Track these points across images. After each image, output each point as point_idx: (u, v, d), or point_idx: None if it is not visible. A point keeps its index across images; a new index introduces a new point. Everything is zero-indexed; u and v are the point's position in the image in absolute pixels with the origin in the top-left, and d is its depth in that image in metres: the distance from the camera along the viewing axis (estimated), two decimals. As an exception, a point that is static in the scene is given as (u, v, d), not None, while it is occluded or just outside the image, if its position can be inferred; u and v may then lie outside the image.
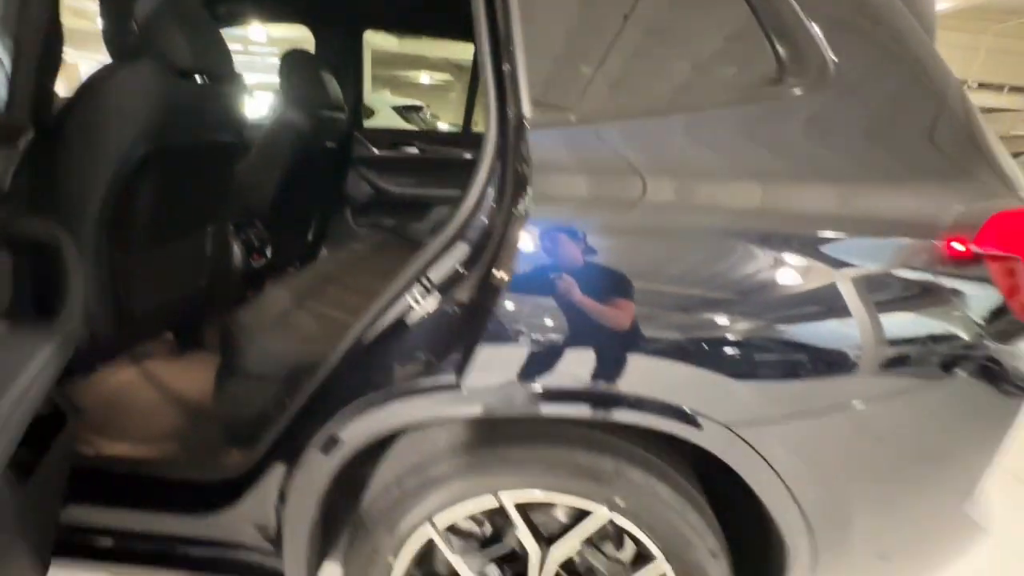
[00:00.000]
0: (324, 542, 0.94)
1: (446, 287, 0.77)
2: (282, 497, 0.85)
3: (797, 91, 0.73)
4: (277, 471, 0.86)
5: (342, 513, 0.94)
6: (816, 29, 0.72)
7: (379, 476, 0.90)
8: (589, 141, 0.76)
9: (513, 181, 0.74)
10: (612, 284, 0.73)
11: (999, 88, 9.66)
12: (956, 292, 0.74)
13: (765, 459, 0.74)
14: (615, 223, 0.75)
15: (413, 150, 2.42)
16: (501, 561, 0.91)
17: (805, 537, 0.80)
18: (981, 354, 0.75)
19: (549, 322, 0.73)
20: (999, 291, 0.74)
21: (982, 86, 9.13)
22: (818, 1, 0.73)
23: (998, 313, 0.75)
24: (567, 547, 0.83)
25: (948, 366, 0.74)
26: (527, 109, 0.73)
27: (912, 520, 0.83)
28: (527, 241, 0.72)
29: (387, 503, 0.83)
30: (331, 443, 0.79)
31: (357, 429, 0.79)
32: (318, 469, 0.81)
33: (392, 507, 0.83)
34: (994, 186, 0.74)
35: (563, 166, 0.75)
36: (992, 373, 0.76)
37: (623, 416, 0.74)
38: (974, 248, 0.72)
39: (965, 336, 0.74)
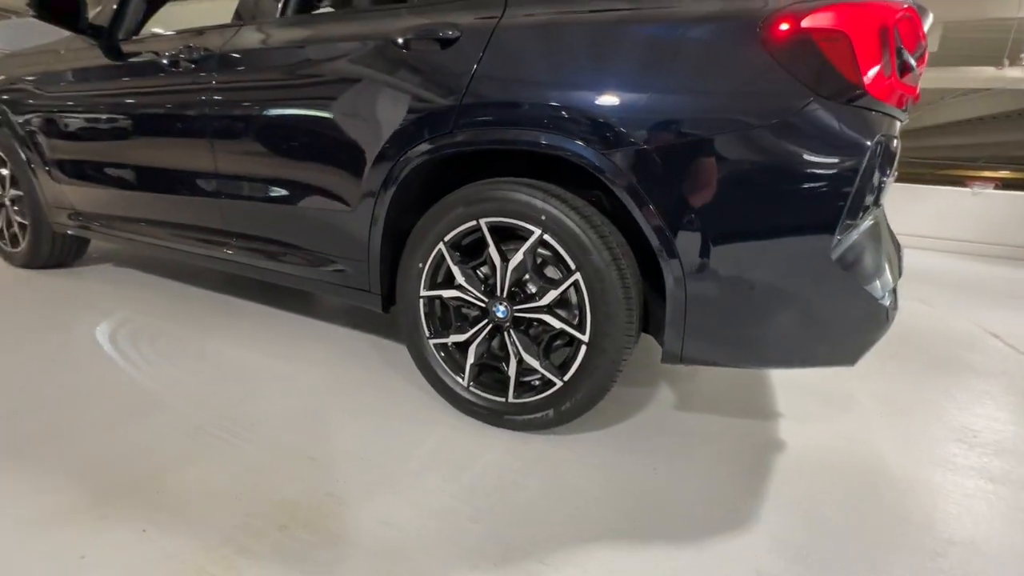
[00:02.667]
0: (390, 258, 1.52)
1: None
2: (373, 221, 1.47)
3: None
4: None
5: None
6: None
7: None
8: None
9: None
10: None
11: None
12: (793, 60, 0.99)
13: (631, 183, 1.09)
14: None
15: None
16: (476, 273, 1.36)
17: (676, 262, 1.10)
18: (812, 108, 0.99)
19: (506, 89, 1.21)
20: (830, 60, 0.98)
21: None
22: None
23: (830, 77, 0.98)
24: (517, 260, 1.27)
25: (775, 115, 1.00)
26: None
27: (775, 255, 1.05)
28: (500, 37, 1.22)
29: (421, 227, 1.39)
30: (381, 188, 1.40)
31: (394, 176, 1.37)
32: (379, 194, 1.41)
33: (424, 228, 1.38)
34: None
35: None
36: (821, 125, 0.99)
37: (549, 148, 1.16)
38: (803, 24, 0.98)
39: (790, 97, 0.99)
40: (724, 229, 1.06)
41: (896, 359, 2.29)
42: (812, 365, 1.15)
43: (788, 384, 1.86)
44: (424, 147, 1.31)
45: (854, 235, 1.07)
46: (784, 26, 0.99)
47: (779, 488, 1.23)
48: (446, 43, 1.28)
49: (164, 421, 1.32)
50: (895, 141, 1.09)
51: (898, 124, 1.09)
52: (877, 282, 1.08)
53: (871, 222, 1.14)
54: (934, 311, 3.34)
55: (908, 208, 7.27)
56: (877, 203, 1.13)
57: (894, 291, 1.13)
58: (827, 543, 1.06)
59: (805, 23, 0.98)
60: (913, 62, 1.03)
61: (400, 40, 1.33)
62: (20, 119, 2.22)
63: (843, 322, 1.09)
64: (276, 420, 1.36)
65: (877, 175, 1.05)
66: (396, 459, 1.23)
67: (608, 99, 1.10)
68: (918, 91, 1.08)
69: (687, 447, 1.39)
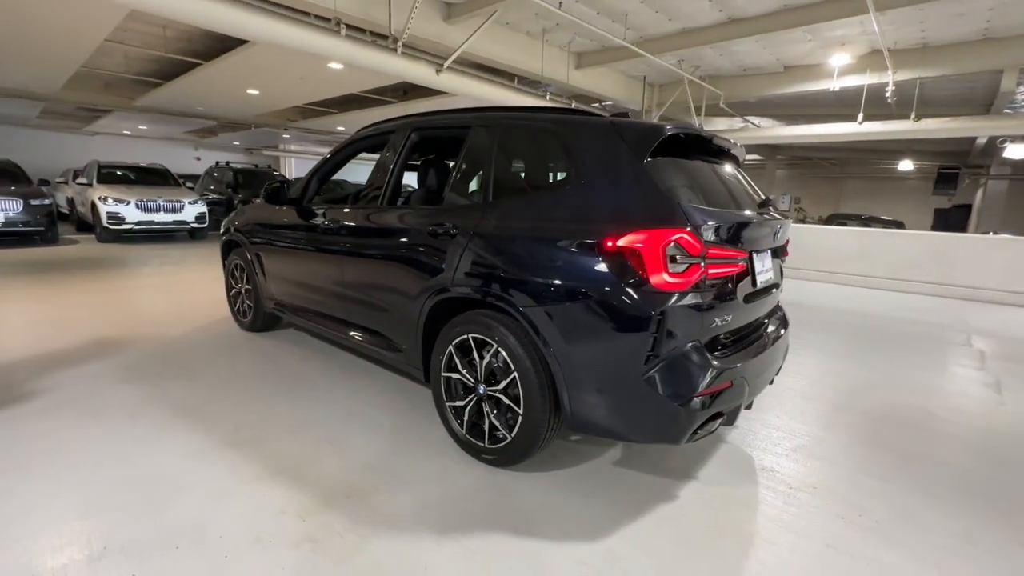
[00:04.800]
0: (428, 349, 2.48)
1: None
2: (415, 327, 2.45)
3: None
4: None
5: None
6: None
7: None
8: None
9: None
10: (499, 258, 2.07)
11: None
12: (614, 263, 1.74)
13: (533, 323, 1.90)
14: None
15: None
16: (469, 367, 2.23)
17: (560, 367, 1.87)
18: (623, 292, 1.72)
19: (476, 267, 2.11)
20: (631, 264, 1.71)
21: None
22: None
23: (632, 274, 1.71)
24: (486, 360, 2.12)
25: (605, 294, 1.74)
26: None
27: (607, 374, 1.77)
28: (474, 236, 2.15)
29: (443, 335, 2.32)
30: (421, 309, 2.36)
31: (427, 304, 2.33)
32: (420, 313, 2.39)
33: (443, 336, 2.31)
34: (659, 220, 1.72)
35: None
36: (628, 303, 1.71)
37: (493, 300, 2.03)
38: (618, 243, 1.73)
39: (612, 284, 1.73)
40: (581, 356, 1.81)
41: (887, 444, 2.56)
42: (649, 442, 1.79)
43: (723, 455, 2.36)
44: (439, 291, 2.27)
45: (665, 364, 1.72)
46: (609, 243, 1.74)
47: (643, 524, 1.85)
48: (452, 235, 2.23)
49: (303, 440, 2.42)
50: (700, 305, 1.73)
51: (695, 296, 1.72)
52: (681, 390, 1.71)
53: (687, 350, 1.76)
54: (1001, 399, 3.25)
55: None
56: (696, 341, 1.76)
57: (702, 395, 1.73)
58: (648, 566, 1.68)
59: (619, 243, 1.72)
60: (699, 262, 1.69)
61: (431, 230, 2.33)
62: (250, 244, 3.75)
63: (658, 417, 1.73)
64: (359, 445, 2.37)
65: (678, 327, 1.70)
66: (414, 472, 2.14)
67: (520, 277, 1.94)
68: (717, 272, 1.73)
69: (599, 489, 2.06)
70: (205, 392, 2.90)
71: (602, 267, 1.75)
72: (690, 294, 1.72)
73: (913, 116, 7.46)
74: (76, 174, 11.68)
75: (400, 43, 4.95)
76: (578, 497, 2.01)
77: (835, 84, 7.64)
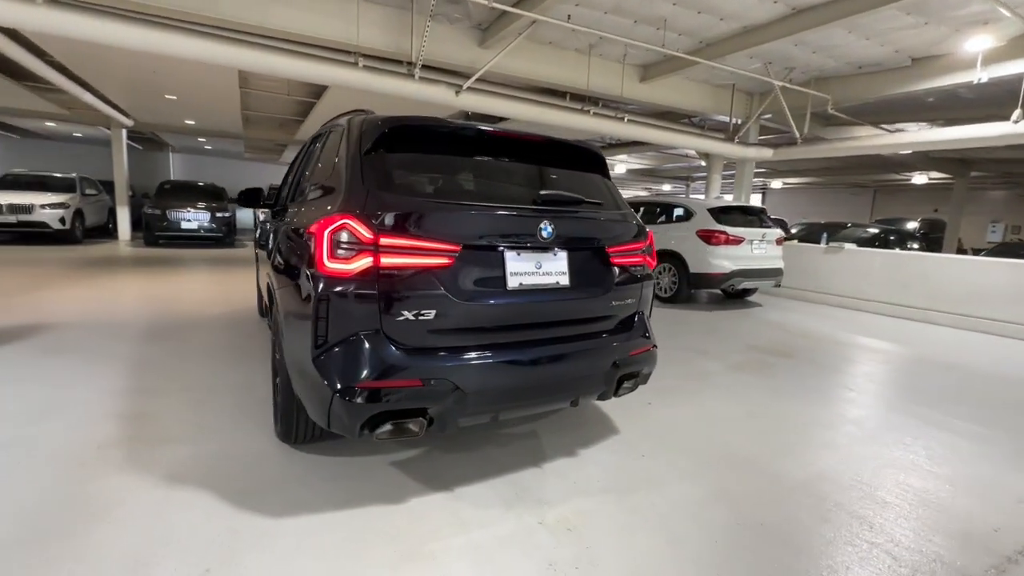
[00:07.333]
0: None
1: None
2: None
3: None
4: None
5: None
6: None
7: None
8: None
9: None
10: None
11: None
12: (305, 249, 1.83)
13: (277, 299, 2.05)
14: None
15: None
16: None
17: (283, 349, 1.99)
18: (304, 277, 1.79)
19: (275, 257, 2.34)
20: (312, 248, 1.78)
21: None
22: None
23: (311, 259, 1.78)
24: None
25: (297, 279, 1.84)
26: None
27: (296, 357, 1.84)
28: (284, 224, 2.39)
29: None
30: (270, 293, 2.66)
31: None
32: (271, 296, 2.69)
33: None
34: (338, 207, 1.78)
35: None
36: (305, 287, 1.78)
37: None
38: (309, 230, 1.82)
39: (300, 270, 1.82)
40: (287, 338, 1.91)
41: (734, 503, 2.08)
42: (331, 430, 1.77)
43: (514, 480, 2.15)
44: (268, 276, 2.55)
45: (332, 350, 1.72)
46: (304, 231, 1.83)
47: (343, 515, 1.84)
48: (278, 229, 2.50)
49: (184, 396, 2.88)
50: (373, 294, 1.70)
51: (367, 284, 1.69)
52: (342, 379, 1.68)
53: (356, 339, 1.72)
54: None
55: None
56: (371, 330, 1.72)
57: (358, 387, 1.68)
58: (316, 548, 1.69)
59: (310, 230, 1.80)
60: (370, 250, 1.67)
61: (273, 227, 2.63)
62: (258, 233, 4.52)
63: (325, 403, 1.72)
64: (214, 406, 2.74)
65: (344, 314, 1.70)
66: (223, 433, 2.41)
67: (275, 266, 2.12)
68: (398, 262, 1.70)
69: (351, 480, 2.08)
70: (176, 352, 3.61)
71: (300, 253, 1.86)
72: (358, 282, 1.70)
73: (1099, 109, 5.37)
74: (259, 194, 14.93)
75: (417, 68, 5.45)
76: (322, 482, 2.05)
77: (979, 75, 5.96)
